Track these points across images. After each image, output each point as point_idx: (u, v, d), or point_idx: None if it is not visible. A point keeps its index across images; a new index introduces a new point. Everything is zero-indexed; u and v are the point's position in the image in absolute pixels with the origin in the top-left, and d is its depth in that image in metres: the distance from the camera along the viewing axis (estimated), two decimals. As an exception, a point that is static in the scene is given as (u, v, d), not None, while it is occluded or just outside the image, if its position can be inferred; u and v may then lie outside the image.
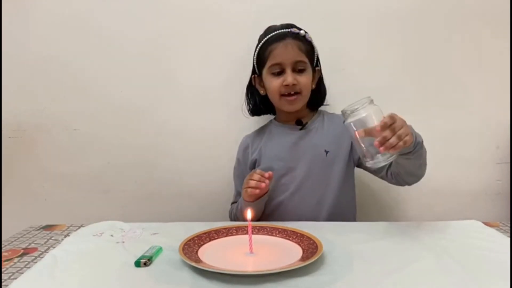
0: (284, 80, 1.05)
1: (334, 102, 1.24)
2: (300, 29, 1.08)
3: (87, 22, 1.37)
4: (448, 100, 1.35)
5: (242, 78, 1.22)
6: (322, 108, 1.21)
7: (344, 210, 1.09)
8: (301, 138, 1.11)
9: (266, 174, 0.97)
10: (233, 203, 1.19)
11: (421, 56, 1.34)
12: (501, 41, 1.31)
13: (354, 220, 1.14)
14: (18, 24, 1.37)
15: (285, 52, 1.04)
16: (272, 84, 1.07)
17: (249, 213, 0.80)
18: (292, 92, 1.06)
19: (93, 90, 1.39)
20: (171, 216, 1.35)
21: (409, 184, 1.01)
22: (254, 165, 1.15)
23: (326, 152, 1.08)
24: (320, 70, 1.15)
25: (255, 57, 1.12)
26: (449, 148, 1.36)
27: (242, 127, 1.28)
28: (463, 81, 1.34)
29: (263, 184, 0.96)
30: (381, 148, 0.77)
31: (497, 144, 1.35)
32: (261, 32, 1.14)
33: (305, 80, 1.06)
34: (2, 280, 0.70)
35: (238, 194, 1.17)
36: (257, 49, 1.10)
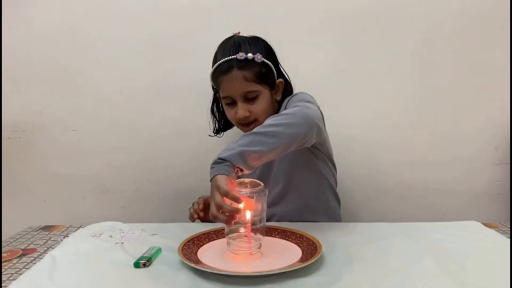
0: (237, 113, 1.00)
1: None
2: (248, 51, 0.97)
3: (87, 23, 1.36)
4: (447, 101, 1.35)
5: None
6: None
7: (313, 201, 1.07)
8: None
9: (201, 206, 1.04)
10: None
11: (421, 57, 1.34)
12: (501, 41, 1.31)
13: (331, 211, 1.11)
14: (17, 25, 1.36)
15: (232, 86, 0.99)
16: (228, 113, 1.04)
17: (248, 214, 0.80)
18: (248, 122, 1.02)
19: (92, 91, 1.39)
20: (170, 216, 1.34)
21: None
22: None
23: None
24: (283, 80, 1.07)
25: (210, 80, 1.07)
26: (449, 148, 1.36)
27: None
28: (463, 82, 1.34)
29: (195, 215, 1.04)
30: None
31: (496, 145, 1.36)
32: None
33: (259, 107, 1.01)
34: (1, 281, 0.70)
35: None
36: (210, 75, 1.04)
